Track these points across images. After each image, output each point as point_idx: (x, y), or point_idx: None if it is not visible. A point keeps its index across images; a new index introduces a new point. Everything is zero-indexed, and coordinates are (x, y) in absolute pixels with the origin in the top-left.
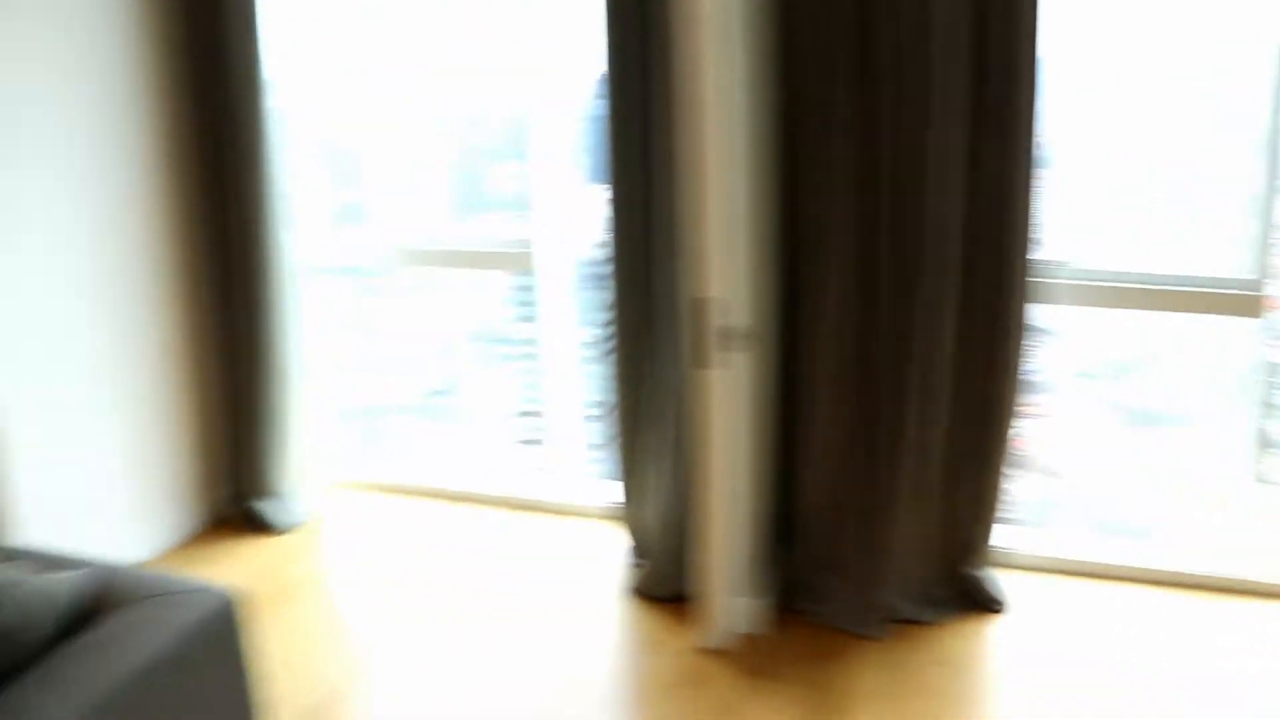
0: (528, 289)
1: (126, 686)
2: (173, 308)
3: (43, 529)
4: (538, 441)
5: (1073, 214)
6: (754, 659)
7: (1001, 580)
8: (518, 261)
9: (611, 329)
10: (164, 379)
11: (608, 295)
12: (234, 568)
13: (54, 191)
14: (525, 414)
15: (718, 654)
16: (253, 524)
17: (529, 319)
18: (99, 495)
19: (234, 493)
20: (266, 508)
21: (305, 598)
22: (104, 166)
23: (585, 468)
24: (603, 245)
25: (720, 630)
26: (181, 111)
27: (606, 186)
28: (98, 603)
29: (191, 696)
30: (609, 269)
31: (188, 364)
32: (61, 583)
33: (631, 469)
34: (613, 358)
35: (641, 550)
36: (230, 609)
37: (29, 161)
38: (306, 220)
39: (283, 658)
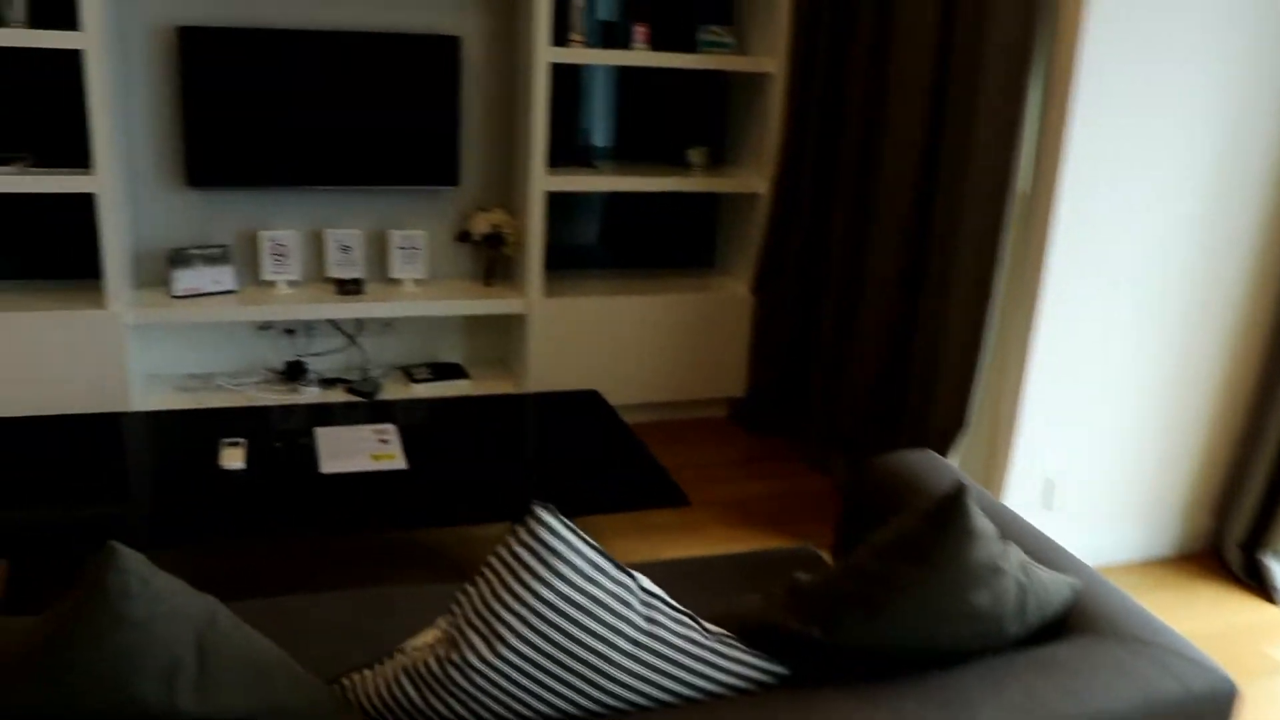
0: None
1: None
2: (1247, 311)
3: (1023, 495)
4: None
5: None
6: None
7: None
8: None
9: None
10: (1207, 385)
11: None
12: (1198, 613)
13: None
14: None
15: None
16: (1241, 574)
17: None
18: (1087, 479)
19: (1240, 535)
20: (1275, 564)
21: (1269, 682)
22: (1236, 128)
23: None
24: None
25: None
26: None
27: None
28: (1071, 614)
29: None
30: None
31: (1240, 379)
32: (1058, 585)
33: None
34: None
35: None
36: (1227, 703)
37: (1162, 105)
38: None
39: None
